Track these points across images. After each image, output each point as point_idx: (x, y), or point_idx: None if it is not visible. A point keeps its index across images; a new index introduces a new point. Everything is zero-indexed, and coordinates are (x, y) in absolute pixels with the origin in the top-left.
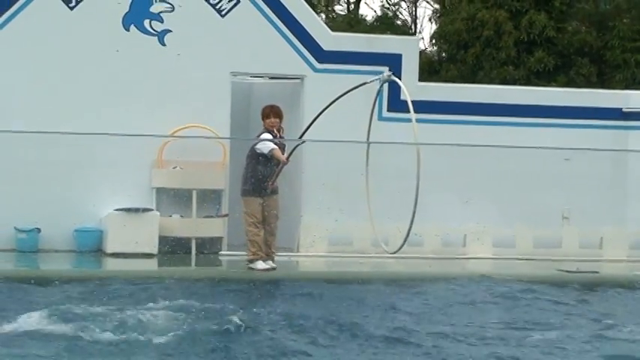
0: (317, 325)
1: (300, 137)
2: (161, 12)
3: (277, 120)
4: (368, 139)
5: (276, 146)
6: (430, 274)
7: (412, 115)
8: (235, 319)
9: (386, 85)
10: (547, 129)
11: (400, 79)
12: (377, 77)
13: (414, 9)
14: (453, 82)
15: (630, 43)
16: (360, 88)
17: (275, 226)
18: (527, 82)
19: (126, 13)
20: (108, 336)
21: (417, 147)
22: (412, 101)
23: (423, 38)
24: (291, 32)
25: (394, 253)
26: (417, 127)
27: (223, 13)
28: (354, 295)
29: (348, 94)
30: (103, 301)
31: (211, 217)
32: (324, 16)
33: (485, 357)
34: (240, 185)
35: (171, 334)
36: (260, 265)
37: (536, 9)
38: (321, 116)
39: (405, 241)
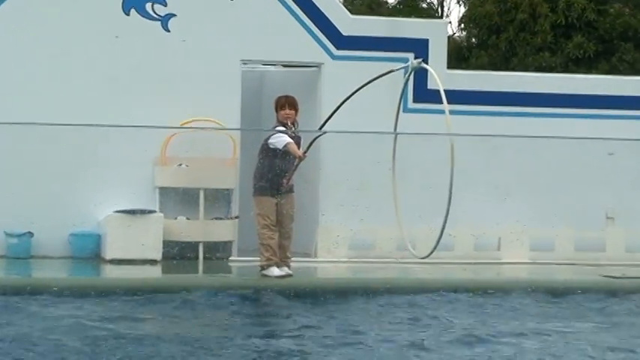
0: None
1: (320, 129)
2: None
3: (292, 112)
4: (395, 130)
5: (291, 140)
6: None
7: (445, 105)
8: None
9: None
10: (588, 120)
11: None
12: (405, 65)
13: None
14: (484, 69)
15: None
16: (384, 76)
17: (290, 229)
18: (566, 70)
19: None
20: None
21: (451, 139)
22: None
23: (450, 22)
24: (307, 16)
25: (424, 258)
26: (450, 118)
27: None
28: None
29: (371, 83)
30: None
31: (221, 219)
32: None
33: None
34: (253, 184)
35: None
36: (275, 271)
37: None
38: (340, 108)
39: (436, 244)
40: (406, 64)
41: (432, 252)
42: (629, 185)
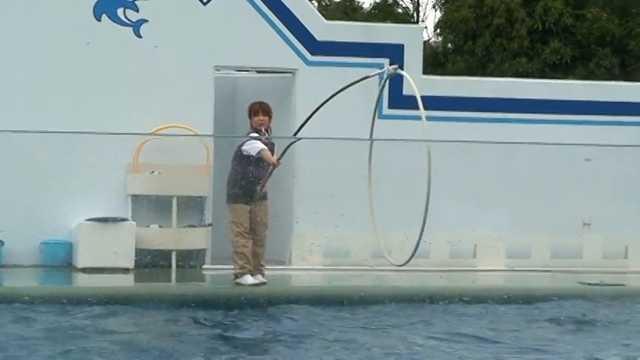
0: None
1: (294, 136)
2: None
3: (266, 118)
4: (371, 136)
5: (265, 146)
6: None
7: (421, 111)
8: None
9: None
10: (565, 126)
11: None
12: (381, 71)
13: None
14: (460, 75)
15: None
16: (359, 82)
17: (264, 236)
18: (543, 75)
19: (97, 1)
20: None
21: (428, 145)
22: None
23: (426, 27)
24: (281, 21)
25: (401, 265)
26: (426, 124)
27: (205, 0)
28: None
29: (346, 89)
30: None
31: (194, 226)
32: (316, 3)
33: None
34: (226, 191)
35: None
36: (248, 279)
37: None
38: (314, 114)
39: (414, 252)
40: (382, 70)
41: (409, 260)
42: (606, 191)
